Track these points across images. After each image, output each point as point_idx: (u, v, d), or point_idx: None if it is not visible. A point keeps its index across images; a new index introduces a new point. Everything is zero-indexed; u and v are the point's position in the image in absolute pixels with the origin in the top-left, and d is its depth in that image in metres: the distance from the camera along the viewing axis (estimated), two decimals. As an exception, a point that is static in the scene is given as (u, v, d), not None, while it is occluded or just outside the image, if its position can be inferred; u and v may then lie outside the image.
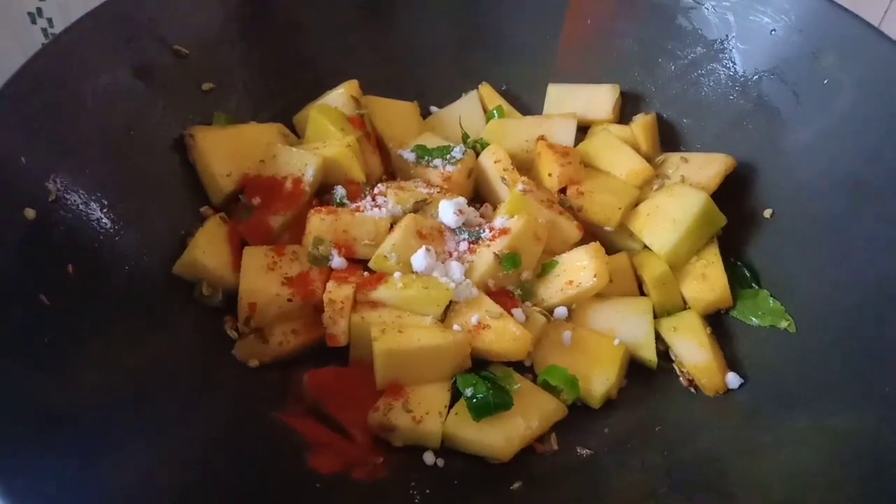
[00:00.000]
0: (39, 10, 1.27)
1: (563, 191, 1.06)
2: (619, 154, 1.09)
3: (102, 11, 0.94)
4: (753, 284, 0.98)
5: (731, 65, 1.07)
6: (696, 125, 1.12)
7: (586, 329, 0.96)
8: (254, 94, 1.10)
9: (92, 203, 0.85)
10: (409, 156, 1.08)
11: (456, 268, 0.94)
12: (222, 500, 0.73)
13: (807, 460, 0.76)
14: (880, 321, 0.81)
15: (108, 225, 0.86)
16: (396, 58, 1.19)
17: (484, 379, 0.87)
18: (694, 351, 0.93)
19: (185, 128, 1.00)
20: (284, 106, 1.13)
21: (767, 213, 1.00)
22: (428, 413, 0.85)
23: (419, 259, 0.92)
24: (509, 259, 0.94)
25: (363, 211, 0.98)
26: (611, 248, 1.03)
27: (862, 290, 0.85)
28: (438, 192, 1.03)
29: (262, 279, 0.91)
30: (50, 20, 1.28)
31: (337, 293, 0.90)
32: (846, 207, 0.90)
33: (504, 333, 0.89)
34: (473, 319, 0.90)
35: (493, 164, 1.07)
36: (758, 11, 1.03)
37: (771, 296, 0.95)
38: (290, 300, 0.91)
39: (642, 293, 1.01)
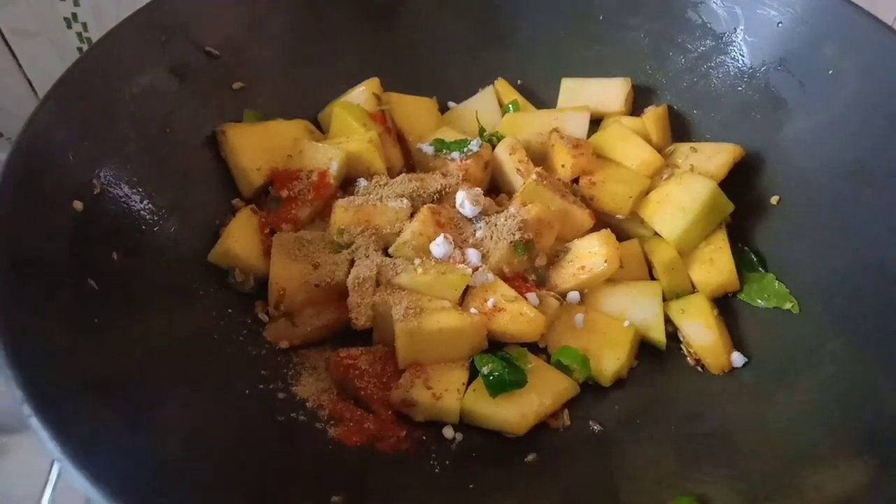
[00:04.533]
0: (75, 15, 1.32)
1: (576, 180, 1.10)
2: (630, 145, 1.12)
3: (139, 17, 0.99)
4: (760, 268, 1.02)
5: (739, 57, 1.10)
6: (705, 116, 1.15)
7: (598, 311, 1.00)
8: (281, 92, 1.15)
9: (133, 196, 0.91)
10: (428, 149, 1.13)
11: (473, 254, 0.98)
12: (256, 468, 0.78)
13: (807, 431, 0.80)
14: (880, 302, 0.85)
15: (148, 216, 0.92)
16: (415, 56, 1.24)
17: (500, 359, 0.92)
18: (701, 332, 0.97)
19: (217, 125, 1.05)
20: (309, 103, 1.18)
21: (774, 199, 1.03)
22: (447, 390, 0.90)
23: (438, 246, 0.97)
24: (523, 246, 0.99)
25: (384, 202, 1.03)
26: (622, 235, 1.07)
27: (863, 272, 0.88)
28: (456, 183, 1.08)
29: (290, 266, 0.97)
30: (85, 24, 1.33)
31: (361, 278, 0.95)
32: (850, 194, 0.93)
33: (519, 316, 0.94)
34: (490, 303, 0.95)
35: (508, 156, 1.12)
36: (764, 4, 1.06)
37: (776, 279, 0.99)
38: (317, 286, 0.96)
39: (653, 278, 1.05)
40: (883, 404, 0.75)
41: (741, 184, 1.06)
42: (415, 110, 1.20)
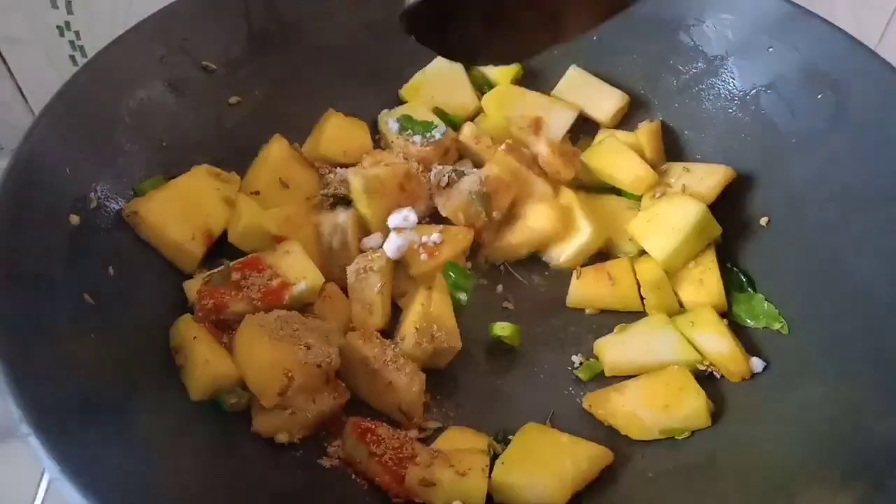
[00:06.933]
0: (68, 24, 1.31)
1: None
2: (625, 159, 1.12)
3: (136, 32, 0.99)
4: (749, 289, 1.03)
5: (730, 79, 1.12)
6: (696, 137, 1.17)
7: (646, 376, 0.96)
8: (276, 108, 1.14)
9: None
10: (394, 125, 1.14)
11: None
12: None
13: (796, 452, 0.81)
14: (868, 324, 0.86)
15: (144, 231, 0.92)
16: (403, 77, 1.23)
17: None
18: (716, 341, 0.96)
19: (122, 207, 0.92)
20: (301, 120, 1.16)
21: (763, 220, 1.05)
22: (471, 468, 0.81)
23: (391, 244, 0.98)
24: (480, 197, 1.02)
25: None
26: (610, 255, 1.10)
27: (852, 295, 0.90)
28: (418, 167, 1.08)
29: (283, 348, 0.83)
30: (77, 33, 1.32)
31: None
32: (838, 217, 0.95)
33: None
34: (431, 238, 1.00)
35: (474, 145, 1.15)
36: (755, 29, 1.08)
37: (765, 299, 1.00)
38: (319, 366, 0.84)
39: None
40: (872, 427, 0.77)
41: (731, 204, 1.07)
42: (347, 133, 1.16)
